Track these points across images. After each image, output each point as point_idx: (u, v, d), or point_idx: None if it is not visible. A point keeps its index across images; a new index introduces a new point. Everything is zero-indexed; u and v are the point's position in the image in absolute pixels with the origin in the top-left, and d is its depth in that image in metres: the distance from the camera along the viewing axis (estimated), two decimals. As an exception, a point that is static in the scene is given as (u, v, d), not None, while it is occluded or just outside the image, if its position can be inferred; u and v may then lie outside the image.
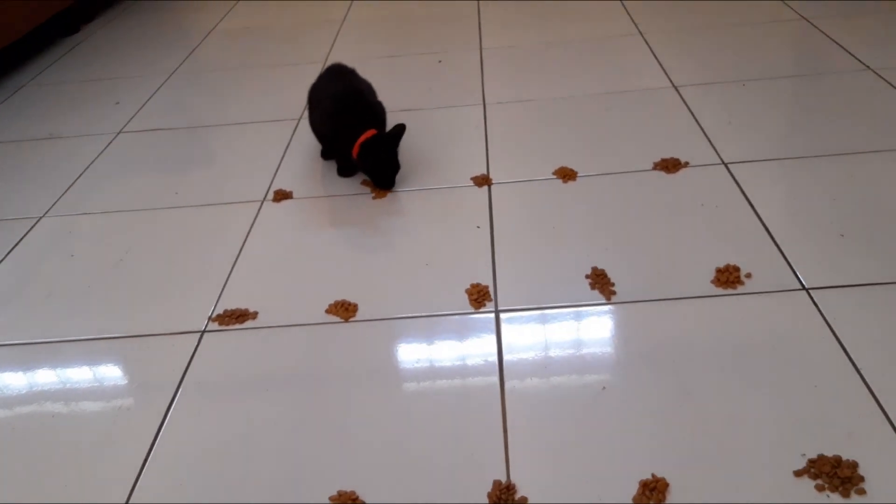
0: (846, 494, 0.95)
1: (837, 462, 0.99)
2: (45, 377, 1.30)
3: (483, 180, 1.71)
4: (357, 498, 1.01)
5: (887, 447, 1.01)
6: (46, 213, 1.79)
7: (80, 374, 1.30)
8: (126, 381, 1.28)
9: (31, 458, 1.14)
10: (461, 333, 1.29)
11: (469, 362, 1.23)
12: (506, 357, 1.23)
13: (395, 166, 1.70)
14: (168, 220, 1.71)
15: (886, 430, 1.03)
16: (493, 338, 1.27)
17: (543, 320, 1.30)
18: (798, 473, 0.99)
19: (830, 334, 1.19)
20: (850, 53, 2.12)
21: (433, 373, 1.22)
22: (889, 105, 1.83)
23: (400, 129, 1.67)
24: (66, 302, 1.47)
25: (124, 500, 1.05)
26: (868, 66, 2.03)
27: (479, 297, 1.35)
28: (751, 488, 0.98)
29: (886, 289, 1.27)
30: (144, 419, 1.19)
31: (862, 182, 1.55)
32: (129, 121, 2.23)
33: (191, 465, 1.10)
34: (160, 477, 1.09)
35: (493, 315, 1.32)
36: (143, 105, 2.33)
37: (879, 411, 1.05)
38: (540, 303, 1.34)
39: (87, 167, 1.98)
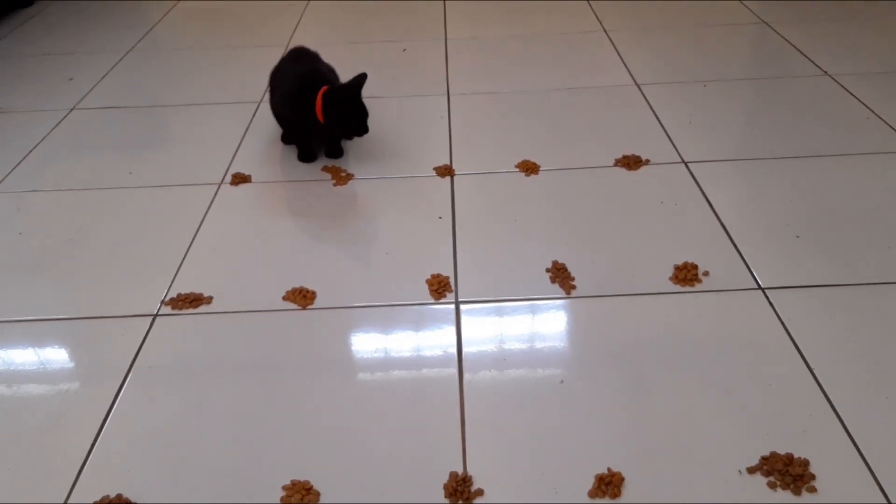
0: (797, 492, 0.97)
1: (789, 460, 1.00)
2: (-11, 358, 1.26)
3: (446, 171, 1.70)
4: (311, 487, 1.00)
5: (838, 446, 1.02)
6: (-6, 188, 1.74)
7: (26, 356, 1.26)
8: (74, 364, 1.24)
9: (-29, 442, 1.10)
10: (421, 324, 1.28)
11: (428, 353, 1.22)
12: (465, 348, 1.22)
13: (363, 110, 1.66)
14: (122, 200, 1.66)
15: (838, 429, 1.05)
16: (453, 329, 1.26)
17: (503, 313, 1.30)
18: (751, 470, 1.00)
19: (785, 334, 1.21)
20: (808, 59, 2.15)
21: (392, 363, 1.21)
22: (845, 110, 1.87)
23: (361, 77, 1.64)
24: (13, 281, 1.43)
25: (70, 483, 1.02)
26: (826, 72, 2.06)
27: (440, 287, 1.34)
28: (705, 484, 0.98)
29: (840, 290, 1.30)
30: (93, 403, 1.15)
31: (818, 185, 1.58)
32: (83, 97, 2.17)
33: (140, 451, 1.07)
34: (108, 462, 1.06)
35: (453, 306, 1.31)
36: (98, 82, 2.27)
37: (831, 411, 1.07)
38: (500, 295, 1.33)
39: (39, 143, 1.92)
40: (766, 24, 2.42)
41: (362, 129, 1.67)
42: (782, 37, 2.31)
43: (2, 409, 1.16)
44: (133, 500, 1.00)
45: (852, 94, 1.93)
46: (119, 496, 1.00)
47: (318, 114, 1.63)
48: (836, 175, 1.61)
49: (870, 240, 1.41)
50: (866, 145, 1.71)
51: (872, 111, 1.85)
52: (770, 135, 1.79)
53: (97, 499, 1.00)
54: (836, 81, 2.01)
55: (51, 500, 1.01)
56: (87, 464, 1.06)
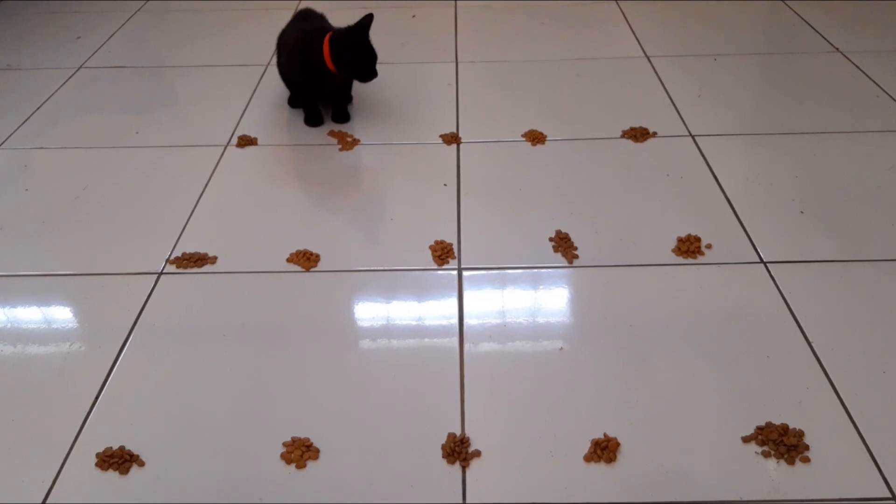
0: (791, 462, 0.98)
1: (784, 430, 1.01)
2: (-5, 311, 1.28)
3: (452, 138, 1.70)
4: (311, 444, 1.01)
5: (833, 418, 1.03)
6: (1, 145, 1.74)
7: (31, 310, 1.27)
8: (79, 320, 1.25)
9: (-23, 392, 1.12)
10: (423, 289, 1.29)
11: (430, 318, 1.23)
12: (466, 314, 1.23)
13: (372, 52, 1.64)
14: (128, 159, 1.67)
15: (833, 401, 1.06)
16: (455, 295, 1.27)
17: (505, 280, 1.30)
18: (746, 439, 1.01)
19: (785, 307, 1.21)
20: (821, 35, 2.13)
21: (393, 326, 1.22)
22: (855, 88, 1.86)
23: (367, 18, 1.62)
24: (20, 236, 1.44)
25: (74, 434, 1.04)
26: (838, 49, 2.05)
27: (443, 253, 1.35)
28: (699, 451, 1.00)
29: (841, 266, 1.30)
30: (97, 358, 1.16)
31: (824, 161, 1.57)
32: (90, 56, 2.17)
33: (143, 406, 1.09)
34: (111, 415, 1.07)
35: (455, 272, 1.32)
36: (106, 41, 2.26)
37: (828, 383, 1.08)
38: (503, 263, 1.34)
39: (46, 101, 1.92)
40: (779, -1, 2.40)
41: (371, 72, 1.65)
42: (795, 12, 2.29)
43: (7, 361, 1.17)
44: (135, 452, 1.01)
45: (863, 72, 1.92)
46: (122, 448, 1.02)
47: (326, 61, 1.62)
48: (842, 152, 1.60)
49: (873, 217, 1.41)
50: (875, 123, 1.70)
51: (883, 89, 1.83)
52: (778, 110, 1.78)
53: (100, 450, 1.02)
54: (848, 59, 1.99)
55: (55, 450, 1.02)
56: (90, 416, 1.07)
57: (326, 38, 1.62)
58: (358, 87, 1.83)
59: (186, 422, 1.06)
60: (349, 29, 1.62)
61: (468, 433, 1.03)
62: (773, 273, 1.28)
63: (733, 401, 1.06)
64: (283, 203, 1.51)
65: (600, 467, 0.98)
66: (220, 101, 1.89)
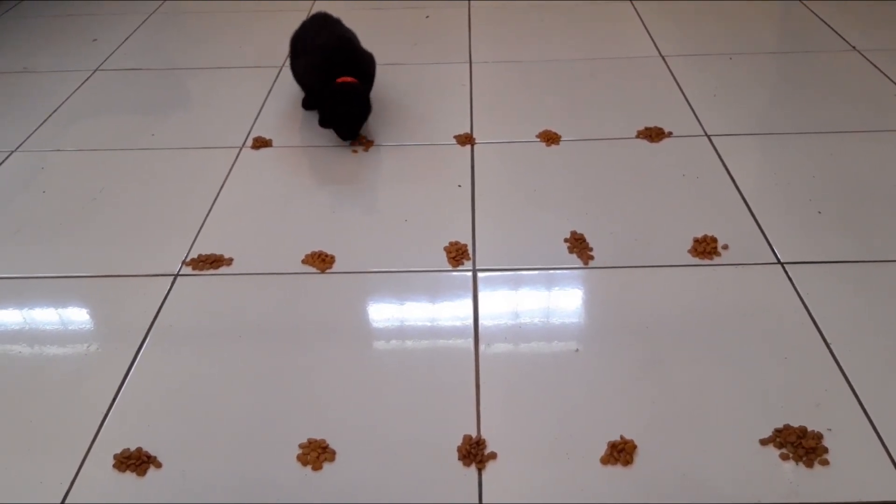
0: (810, 465, 0.97)
1: (803, 433, 1.00)
2: (12, 314, 1.28)
3: (466, 139, 1.70)
4: (327, 446, 1.01)
5: (852, 420, 1.03)
6: (18, 147, 1.75)
7: (48, 312, 1.28)
8: (95, 322, 1.26)
9: (-4, 394, 1.13)
10: (438, 290, 1.29)
11: (445, 319, 1.23)
12: (481, 315, 1.23)
13: (357, 117, 1.65)
14: (144, 161, 1.68)
15: (852, 403, 1.05)
16: (470, 296, 1.27)
17: (520, 281, 1.30)
18: (763, 442, 1.00)
19: (803, 308, 1.20)
20: (837, 33, 2.12)
21: (408, 328, 1.22)
22: (873, 87, 1.84)
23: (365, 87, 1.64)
24: (36, 238, 1.45)
25: (90, 440, 1.04)
26: (854, 48, 2.03)
27: (458, 255, 1.35)
28: (717, 454, 0.99)
29: (859, 266, 1.29)
30: (114, 360, 1.17)
31: (842, 161, 1.56)
32: (106, 59, 2.18)
33: (159, 407, 1.09)
34: (128, 417, 1.08)
35: (470, 274, 1.32)
36: (122, 44, 2.28)
37: (846, 385, 1.07)
38: (518, 264, 1.33)
39: (62, 103, 1.94)
40: (795, -3, 2.38)
41: (348, 135, 1.68)
42: (811, 10, 2.28)
43: (25, 363, 1.18)
44: (152, 454, 1.02)
45: (881, 71, 1.90)
46: (139, 449, 1.02)
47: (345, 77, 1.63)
48: (860, 151, 1.59)
49: (892, 217, 1.39)
50: (893, 122, 1.69)
51: (900, 88, 1.82)
52: (795, 110, 1.77)
53: (117, 451, 1.02)
54: (865, 57, 1.98)
55: (73, 451, 1.03)
56: (107, 418, 1.08)
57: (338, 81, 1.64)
58: (372, 90, 1.83)
59: (203, 423, 1.06)
60: (351, 89, 1.63)
61: (484, 435, 1.03)
62: (790, 274, 1.28)
63: (751, 403, 1.06)
64: (298, 204, 1.51)
65: (617, 469, 0.98)
66: (235, 103, 1.90)
